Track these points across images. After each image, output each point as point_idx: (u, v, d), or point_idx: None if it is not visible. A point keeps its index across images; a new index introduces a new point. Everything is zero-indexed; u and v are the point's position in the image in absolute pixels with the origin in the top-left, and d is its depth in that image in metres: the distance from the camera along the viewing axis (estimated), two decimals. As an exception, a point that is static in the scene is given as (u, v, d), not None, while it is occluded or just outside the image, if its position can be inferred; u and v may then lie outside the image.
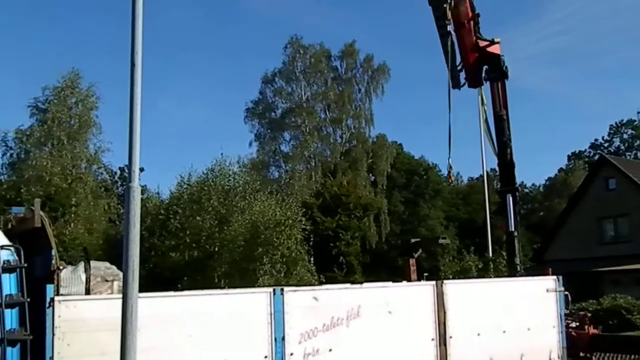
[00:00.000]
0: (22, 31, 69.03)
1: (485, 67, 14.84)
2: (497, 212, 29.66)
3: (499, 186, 18.23)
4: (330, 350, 8.75)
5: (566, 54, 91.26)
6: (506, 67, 14.59)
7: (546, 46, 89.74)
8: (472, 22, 14.42)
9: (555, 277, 11.70)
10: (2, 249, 6.89)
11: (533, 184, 64.62)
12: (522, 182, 57.48)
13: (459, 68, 15.17)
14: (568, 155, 70.27)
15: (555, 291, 11.50)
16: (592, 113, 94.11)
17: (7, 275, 6.86)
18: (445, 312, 9.95)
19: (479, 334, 10.28)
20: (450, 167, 17.37)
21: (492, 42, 14.45)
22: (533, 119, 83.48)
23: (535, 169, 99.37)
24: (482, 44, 14.48)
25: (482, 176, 37.17)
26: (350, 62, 49.82)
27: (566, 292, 11.76)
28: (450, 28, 14.57)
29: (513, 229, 14.57)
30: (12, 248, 7.00)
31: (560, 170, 65.67)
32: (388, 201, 49.42)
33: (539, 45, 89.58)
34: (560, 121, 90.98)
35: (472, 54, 14.70)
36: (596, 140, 70.82)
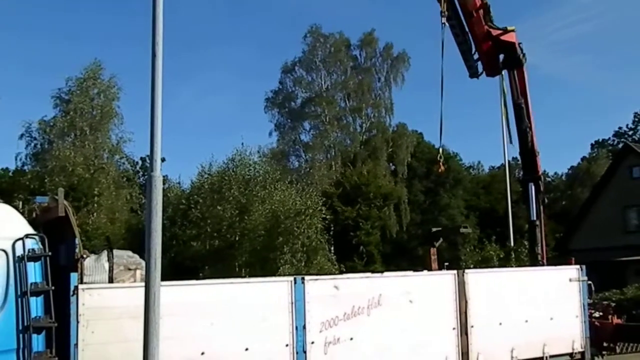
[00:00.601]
0: (44, 22, 69.68)
1: (501, 56, 14.66)
2: (518, 201, 29.45)
3: (520, 175, 18.08)
4: (352, 339, 8.76)
5: (591, 40, 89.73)
6: (523, 55, 14.37)
7: (571, 33, 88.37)
8: (481, 11, 14.16)
9: (578, 266, 11.59)
10: (27, 237, 6.98)
11: (555, 173, 63.91)
12: (545, 170, 56.79)
13: (475, 57, 15.01)
14: (591, 144, 69.25)
15: (578, 280, 11.39)
16: (616, 101, 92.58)
17: (32, 263, 6.95)
18: (466, 302, 9.90)
19: (500, 324, 10.22)
20: (441, 156, 17.34)
21: (506, 31, 14.22)
22: (556, 107, 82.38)
23: (557, 157, 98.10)
24: (495, 32, 14.24)
25: (503, 165, 36.88)
26: (370, 51, 49.53)
27: (589, 282, 11.65)
28: (444, 20, 14.31)
29: (535, 218, 14.47)
30: (36, 237, 7.08)
31: (584, 158, 64.81)
32: (408, 190, 49.19)
33: (564, 32, 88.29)
34: (583, 109, 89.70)
35: (485, 43, 14.49)
36: (620, 128, 69.77)
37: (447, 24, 14.48)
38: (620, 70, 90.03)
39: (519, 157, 15.78)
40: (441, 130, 15.24)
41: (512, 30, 14.27)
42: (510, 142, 15.11)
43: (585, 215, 39.49)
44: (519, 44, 14.40)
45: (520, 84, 14.49)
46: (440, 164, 17.17)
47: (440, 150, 17.60)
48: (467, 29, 14.63)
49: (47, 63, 66.37)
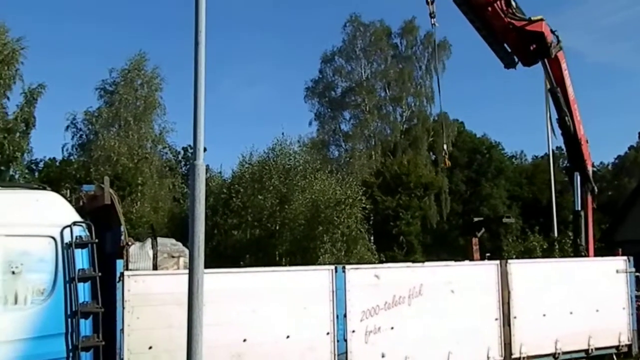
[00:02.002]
0: (85, 13, 70.77)
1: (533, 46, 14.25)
2: (563, 192, 28.88)
3: (565, 164, 17.77)
4: (392, 328, 8.75)
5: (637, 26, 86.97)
6: (558, 43, 13.93)
7: (618, 18, 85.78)
8: (499, 3, 13.67)
9: (625, 257, 11.33)
10: (74, 225, 7.14)
11: (601, 163, 62.37)
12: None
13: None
14: (639, 132, 67.42)
15: (626, 272, 11.15)
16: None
17: (79, 250, 7.12)
18: (509, 292, 9.79)
19: (544, 315, 10.09)
20: (446, 151, 17.09)
21: (531, 21, 13.80)
22: (603, 96, 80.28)
23: (604, 147, 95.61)
24: (518, 24, 13.80)
25: (547, 154, 36.15)
26: (410, 39, 48.94)
27: (637, 273, 11.40)
28: (434, 21, 14.40)
29: (579, 208, 14.21)
30: (83, 224, 7.24)
31: (631, 147, 63.09)
32: (449, 180, 48.66)
33: (611, 18, 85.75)
34: (630, 97, 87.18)
35: (510, 35, 14.08)
36: (669, 116, 67.65)
37: (436, 25, 14.52)
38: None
39: (563, 147, 15.50)
40: (443, 129, 15.23)
41: (539, 20, 13.84)
42: (553, 133, 14.81)
43: (632, 205, 38.39)
44: (554, 31, 14.00)
45: (555, 72, 14.16)
46: (446, 159, 17.11)
47: (445, 146, 17.59)
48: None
49: (89, 52, 67.51)
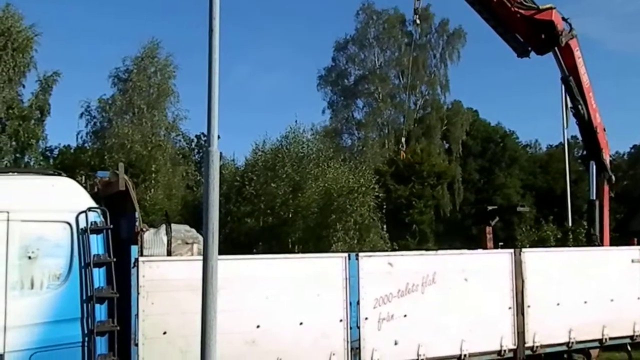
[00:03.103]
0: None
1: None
2: (577, 181, 28.65)
3: (580, 153, 17.64)
4: (405, 316, 8.75)
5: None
6: (570, 31, 13.75)
7: (636, 6, 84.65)
8: None
9: (640, 247, 11.26)
10: (89, 210, 7.20)
11: (617, 152, 61.84)
12: (606, 149, 54.96)
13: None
14: (656, 122, 66.75)
15: (641, 262, 11.06)
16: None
17: (94, 236, 7.18)
18: (523, 281, 9.75)
19: (558, 304, 10.04)
20: (403, 144, 17.09)
21: (539, 10, 13.62)
22: (620, 83, 79.42)
23: (620, 136, 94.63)
24: (527, 13, 13.64)
25: (562, 143, 35.85)
26: (425, 27, 48.51)
27: (652, 263, 11.29)
28: (416, 17, 15.06)
29: (594, 198, 14.12)
30: (98, 210, 7.30)
31: (647, 137, 62.54)
32: (463, 169, 48.48)
33: (629, 5, 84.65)
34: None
35: (518, 24, 13.91)
36: (687, 105, 66.90)
37: (418, 22, 15.47)
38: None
39: (578, 135, 15.38)
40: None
41: (549, 8, 13.66)
42: (566, 123, 14.73)
43: (647, 195, 38.13)
44: (566, 19, 13.82)
45: (567, 60, 14.00)
46: (402, 152, 17.24)
47: (403, 140, 17.82)
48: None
49: (103, 38, 67.63)
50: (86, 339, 6.92)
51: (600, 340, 10.45)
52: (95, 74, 72.07)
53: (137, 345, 7.12)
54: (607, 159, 14.43)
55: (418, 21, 14.51)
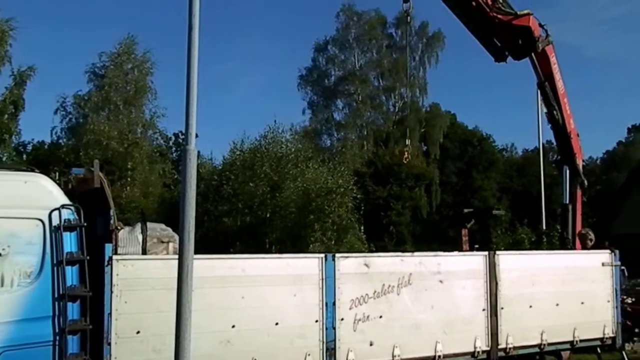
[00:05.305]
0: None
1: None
2: (552, 185, 28.98)
3: (555, 157, 17.84)
4: (381, 317, 8.77)
5: (632, 21, 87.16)
6: (545, 37, 13.90)
7: (613, 13, 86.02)
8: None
9: (611, 251, 11.42)
10: (63, 208, 7.09)
11: (590, 157, 62.72)
12: (580, 154, 55.72)
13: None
14: (628, 128, 67.77)
15: (611, 265, 11.22)
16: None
17: (67, 233, 7.07)
18: (497, 283, 9.83)
19: (531, 306, 10.14)
20: (408, 147, 17.15)
21: (517, 15, 13.75)
22: (593, 89, 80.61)
23: (593, 141, 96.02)
24: (505, 18, 13.69)
25: (537, 148, 36.25)
26: (406, 29, 48.88)
27: (622, 267, 11.49)
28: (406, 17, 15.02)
29: (568, 202, 14.30)
30: (72, 207, 7.19)
31: (619, 143, 63.54)
32: (441, 172, 48.84)
33: (606, 12, 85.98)
34: (620, 92, 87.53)
35: (496, 29, 13.98)
36: (659, 112, 68.09)
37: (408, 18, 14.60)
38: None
39: (553, 140, 15.54)
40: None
41: (526, 14, 13.78)
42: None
43: (621, 200, 38.71)
44: (543, 25, 13.96)
45: (543, 66, 14.13)
46: (407, 153, 17.27)
47: (408, 141, 17.82)
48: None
49: (80, 37, 66.92)
50: (57, 337, 6.82)
51: (571, 342, 10.57)
52: (73, 69, 71.30)
53: (109, 344, 7.03)
54: (580, 164, 14.60)
55: (409, 20, 14.52)
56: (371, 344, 8.67)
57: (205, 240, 23.07)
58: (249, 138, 27.26)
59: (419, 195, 43.00)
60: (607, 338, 11.03)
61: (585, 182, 14.67)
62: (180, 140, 40.87)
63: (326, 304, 8.37)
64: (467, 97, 79.13)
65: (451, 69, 73.13)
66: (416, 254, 9.79)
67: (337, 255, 8.73)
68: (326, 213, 24.47)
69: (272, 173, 25.22)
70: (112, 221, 7.49)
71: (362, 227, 31.06)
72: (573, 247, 13.55)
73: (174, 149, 43.71)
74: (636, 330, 13.35)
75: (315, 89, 49.55)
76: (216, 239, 24.47)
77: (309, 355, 8.23)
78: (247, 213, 25.29)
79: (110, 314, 7.06)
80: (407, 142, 17.60)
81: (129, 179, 29.66)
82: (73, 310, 6.95)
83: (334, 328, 8.39)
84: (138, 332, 7.21)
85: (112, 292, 7.09)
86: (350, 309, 8.55)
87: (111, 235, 7.37)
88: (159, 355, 7.17)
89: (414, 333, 9.03)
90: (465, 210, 14.96)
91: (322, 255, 8.64)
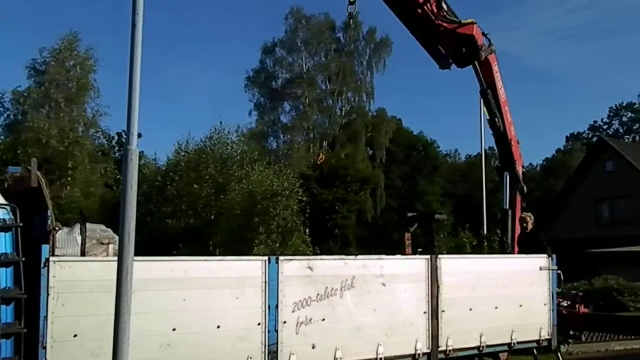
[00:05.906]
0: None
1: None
2: (494, 190, 29.68)
3: (497, 164, 18.25)
4: (323, 319, 8.79)
5: (573, 32, 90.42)
6: (489, 46, 14.22)
7: (554, 24, 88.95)
8: (428, 6, 13.71)
9: (548, 255, 11.75)
10: (-2, 207, 6.87)
11: (530, 164, 64.69)
12: (520, 161, 57.31)
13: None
14: (566, 136, 70.23)
15: (548, 269, 11.54)
16: (592, 95, 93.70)
17: (2, 234, 6.85)
18: (438, 286, 9.98)
19: (471, 309, 10.33)
20: (326, 148, 17.27)
21: (461, 24, 14.06)
22: (533, 98, 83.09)
23: (533, 149, 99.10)
24: (449, 26, 13.95)
25: (480, 154, 37.11)
26: (353, 34, 49.29)
27: (558, 271, 11.82)
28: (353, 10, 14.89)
29: (508, 207, 14.64)
30: (7, 207, 6.97)
31: (558, 151, 65.73)
32: (386, 176, 49.42)
33: (546, 23, 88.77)
34: (559, 101, 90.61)
35: (441, 37, 14.25)
36: (595, 122, 70.71)
37: (352, 21, 14.60)
38: (598, 64, 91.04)
39: (495, 147, 15.90)
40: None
41: (470, 23, 14.08)
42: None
43: (559, 206, 40.02)
44: (486, 34, 14.29)
45: (485, 74, 14.45)
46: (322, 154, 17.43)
47: (325, 143, 18.11)
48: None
49: (19, 31, 64.84)
50: (-10, 341, 6.60)
51: (509, 344, 10.81)
52: (11, 65, 68.97)
53: (45, 348, 6.82)
54: (520, 171, 14.98)
55: (353, 25, 14.56)
56: (313, 347, 8.69)
57: (148, 242, 22.66)
58: (194, 139, 27.00)
59: (364, 199, 43.40)
60: (543, 340, 11.33)
61: (525, 188, 15.07)
62: (123, 140, 40.07)
63: (269, 306, 8.34)
64: (412, 102, 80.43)
65: (398, 74, 74.23)
66: (360, 257, 9.85)
67: (281, 258, 8.70)
68: (271, 215, 24.44)
69: (217, 174, 25.02)
70: (49, 221, 7.28)
71: (307, 230, 31.13)
72: (512, 252, 13.88)
73: (116, 148, 42.84)
74: (571, 332, 13.78)
75: (262, 90, 49.45)
76: (159, 241, 24.06)
77: (250, 358, 8.18)
78: (191, 215, 25.01)
79: (46, 317, 6.85)
80: (325, 144, 17.89)
81: (69, 179, 28.80)
82: (7, 313, 6.73)
83: (277, 331, 8.37)
84: (75, 336, 7.03)
85: (48, 294, 6.89)
86: (293, 311, 8.54)
87: (48, 236, 7.16)
88: (97, 359, 7.01)
89: (356, 335, 9.08)
90: (409, 214, 15.10)
91: (266, 257, 8.60)
